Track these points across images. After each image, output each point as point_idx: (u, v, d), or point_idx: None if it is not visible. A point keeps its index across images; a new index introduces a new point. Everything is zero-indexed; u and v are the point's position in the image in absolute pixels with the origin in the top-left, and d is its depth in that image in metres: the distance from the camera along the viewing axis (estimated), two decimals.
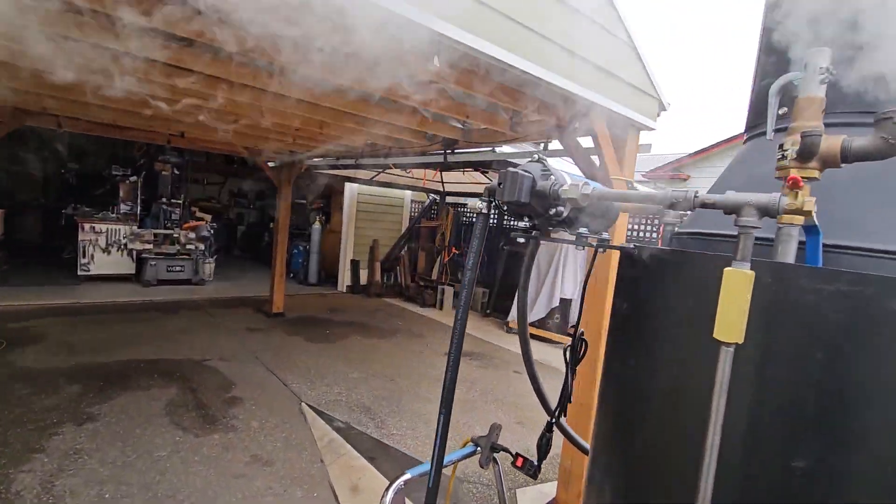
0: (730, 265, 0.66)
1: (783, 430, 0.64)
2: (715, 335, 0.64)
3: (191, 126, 5.49)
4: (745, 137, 1.06)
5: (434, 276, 10.28)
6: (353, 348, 6.61)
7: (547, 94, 3.11)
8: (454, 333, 1.06)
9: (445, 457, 1.52)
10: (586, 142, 3.55)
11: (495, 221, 10.45)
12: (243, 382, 4.99)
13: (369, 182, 9.84)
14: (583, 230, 0.95)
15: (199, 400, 4.49)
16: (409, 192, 11.51)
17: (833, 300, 0.62)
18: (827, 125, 0.86)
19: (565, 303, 7.94)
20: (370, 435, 4.16)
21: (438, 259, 10.28)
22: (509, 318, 8.42)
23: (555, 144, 3.80)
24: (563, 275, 7.73)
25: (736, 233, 0.83)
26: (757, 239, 0.88)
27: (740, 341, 0.63)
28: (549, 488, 3.64)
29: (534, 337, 8.08)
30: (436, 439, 1.02)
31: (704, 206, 0.74)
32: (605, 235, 0.93)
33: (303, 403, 4.63)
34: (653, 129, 3.19)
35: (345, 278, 10.74)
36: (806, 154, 0.71)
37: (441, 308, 9.66)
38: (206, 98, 3.86)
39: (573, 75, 2.49)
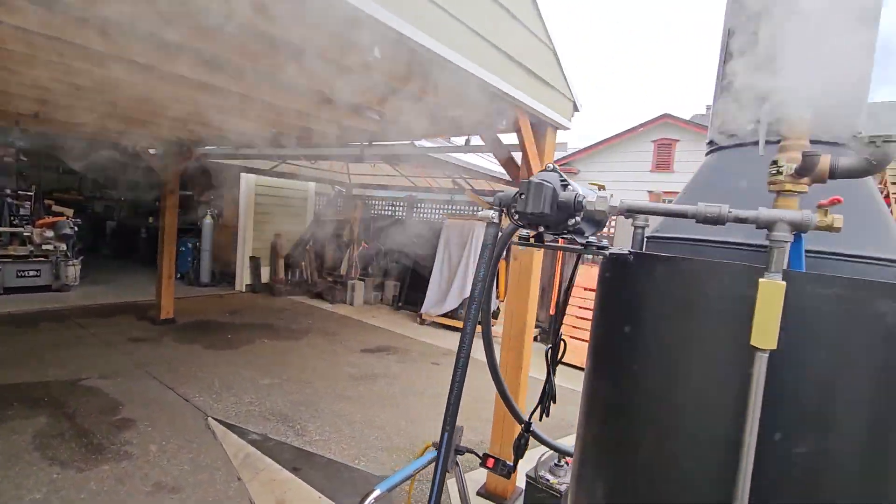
0: (731, 272, 0.71)
1: (785, 420, 0.71)
2: (752, 342, 0.69)
3: (48, 105, 4.63)
4: (707, 150, 1.16)
5: (343, 272, 9.96)
6: (261, 352, 6.16)
7: (475, 90, 3.13)
8: (460, 349, 1.01)
9: (409, 466, 1.47)
10: (504, 139, 3.66)
11: (403, 214, 10.40)
12: (133, 402, 4.39)
13: (268, 173, 9.17)
14: (592, 238, 0.97)
15: (78, 427, 3.85)
16: (312, 184, 10.97)
17: (831, 303, 0.71)
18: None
19: None
20: (291, 444, 3.92)
21: (347, 253, 9.97)
22: (422, 311, 8.47)
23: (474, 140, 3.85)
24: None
25: (721, 239, 0.90)
26: (740, 245, 0.97)
27: (774, 347, 0.69)
28: (479, 475, 3.74)
29: (447, 327, 8.23)
30: (438, 459, 0.97)
31: (738, 220, 0.80)
32: (604, 242, 0.96)
33: (209, 418, 4.21)
34: (568, 129, 3.38)
35: (244, 277, 9.95)
36: (805, 171, 0.80)
37: (352, 304, 9.40)
38: (73, 73, 3.27)
39: (504, 74, 2.53)
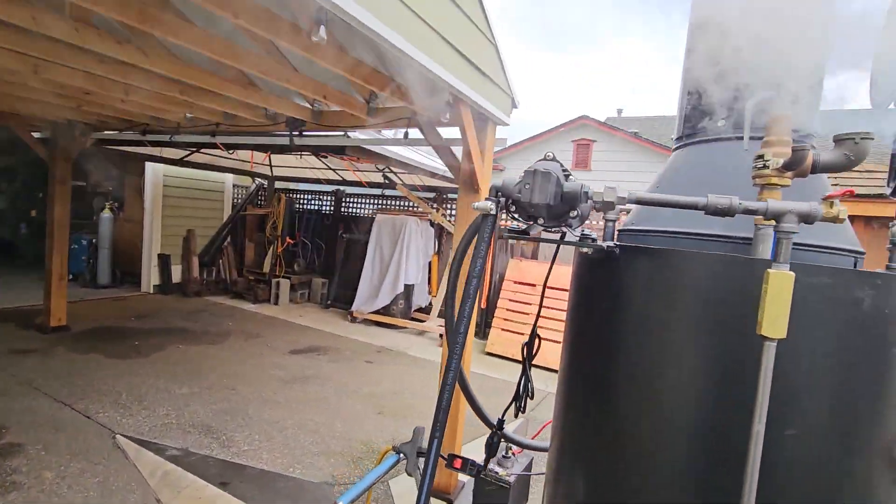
0: (728, 263, 0.73)
1: (777, 406, 0.74)
2: (762, 332, 0.71)
3: None
4: (675, 146, 1.20)
5: (266, 269, 9.40)
6: (176, 360, 5.63)
7: (420, 80, 3.06)
8: (452, 352, 0.93)
9: (369, 474, 1.39)
10: (442, 133, 3.63)
11: (330, 209, 10.04)
12: (20, 423, 3.80)
13: (179, 162, 8.39)
14: (588, 232, 0.94)
15: None
16: (230, 176, 10.21)
17: (815, 291, 0.76)
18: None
19: (409, 288, 8.12)
20: (217, 457, 3.62)
21: (271, 250, 9.42)
22: (353, 308, 8.23)
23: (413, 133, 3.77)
24: (407, 260, 7.88)
25: (696, 231, 0.93)
26: (717, 237, 1.01)
27: (783, 336, 0.71)
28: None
29: (379, 324, 8.09)
30: (426, 465, 0.91)
31: (747, 212, 0.81)
32: (592, 234, 0.94)
33: (117, 436, 3.76)
34: (507, 125, 3.42)
35: (151, 276, 9.03)
36: (794, 165, 0.84)
37: (277, 303, 8.90)
38: None
39: (450, 65, 2.49)
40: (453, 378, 0.92)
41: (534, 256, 8.16)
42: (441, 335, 7.48)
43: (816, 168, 0.85)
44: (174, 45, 3.26)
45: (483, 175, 3.27)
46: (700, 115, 1.05)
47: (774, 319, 0.69)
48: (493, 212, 0.93)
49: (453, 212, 8.77)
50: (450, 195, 8.67)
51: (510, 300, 7.57)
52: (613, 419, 0.94)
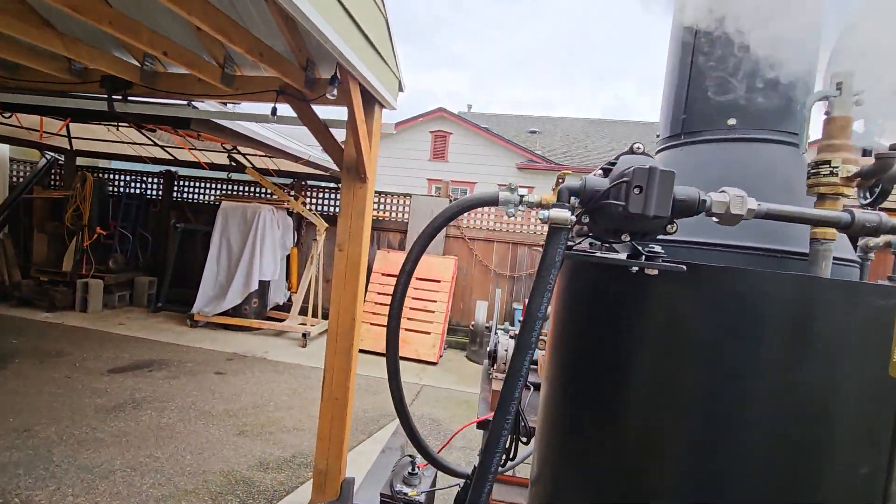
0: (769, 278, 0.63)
1: (847, 439, 0.67)
2: None
3: None
4: (659, 146, 1.09)
5: (67, 268, 7.46)
6: None
7: (298, 41, 2.59)
8: (501, 415, 0.64)
9: None
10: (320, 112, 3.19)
11: (158, 194, 8.43)
12: None
13: None
14: (656, 248, 0.73)
15: None
16: (4, 147, 7.82)
17: (888, 312, 0.70)
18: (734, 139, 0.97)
19: (264, 285, 7.27)
20: None
21: (73, 243, 7.50)
22: (194, 311, 7.04)
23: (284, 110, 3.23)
24: (262, 254, 7.01)
25: (693, 240, 0.82)
26: (712, 246, 0.91)
27: None
28: (301, 497, 3.28)
29: (228, 327, 7.09)
30: None
31: (894, 230, 0.70)
32: (657, 249, 0.74)
33: None
34: (394, 109, 3.14)
35: None
36: (873, 175, 0.76)
37: (85, 310, 7.14)
38: None
39: (339, 27, 2.11)
40: (504, 444, 0.66)
41: (401, 248, 8.01)
42: (304, 335, 6.85)
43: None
44: None
45: (370, 162, 2.95)
46: (696, 114, 0.96)
47: None
48: (569, 225, 0.68)
49: (316, 201, 8.11)
50: (310, 182, 7.99)
51: (378, 293, 7.31)
52: (640, 450, 0.80)
